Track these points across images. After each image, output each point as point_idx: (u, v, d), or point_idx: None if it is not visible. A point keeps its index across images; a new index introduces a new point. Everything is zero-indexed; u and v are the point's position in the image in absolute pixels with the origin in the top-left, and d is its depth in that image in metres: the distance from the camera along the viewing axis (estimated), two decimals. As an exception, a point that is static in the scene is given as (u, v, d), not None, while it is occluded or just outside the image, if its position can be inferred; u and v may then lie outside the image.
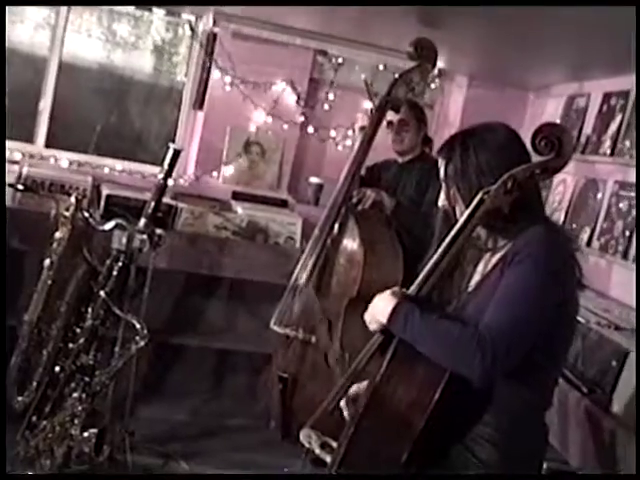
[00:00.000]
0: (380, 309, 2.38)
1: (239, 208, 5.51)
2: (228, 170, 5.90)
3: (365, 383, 2.50)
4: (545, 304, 2.25)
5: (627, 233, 4.47)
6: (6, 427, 4.01)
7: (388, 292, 2.40)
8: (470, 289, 2.48)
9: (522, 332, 2.21)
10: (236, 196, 5.79)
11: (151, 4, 5.75)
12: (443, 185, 2.50)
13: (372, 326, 2.44)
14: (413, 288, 2.37)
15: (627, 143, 4.69)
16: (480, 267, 2.50)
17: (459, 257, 2.41)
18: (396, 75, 4.35)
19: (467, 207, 2.35)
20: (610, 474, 2.86)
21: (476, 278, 2.49)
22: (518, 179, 2.28)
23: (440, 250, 2.34)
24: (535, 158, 2.34)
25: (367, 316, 2.46)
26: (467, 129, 2.54)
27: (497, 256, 2.42)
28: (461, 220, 2.34)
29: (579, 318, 3.83)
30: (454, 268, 2.45)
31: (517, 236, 2.34)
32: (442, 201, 2.51)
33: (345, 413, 2.53)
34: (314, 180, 5.97)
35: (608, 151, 4.86)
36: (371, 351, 2.44)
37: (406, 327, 2.30)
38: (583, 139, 5.23)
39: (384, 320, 2.35)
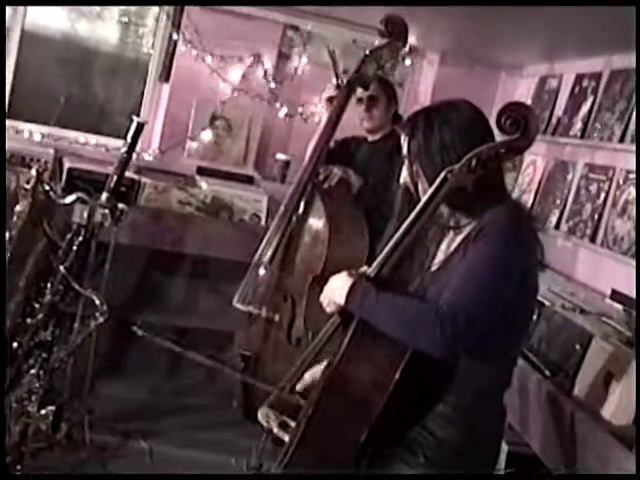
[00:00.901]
0: (336, 290, 2.39)
1: (204, 184, 5.51)
2: (193, 145, 5.89)
3: (322, 366, 2.52)
4: (505, 280, 2.27)
5: (596, 216, 4.51)
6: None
7: (344, 273, 2.42)
8: (433, 268, 2.50)
9: (481, 306, 2.22)
10: (201, 171, 5.79)
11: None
12: (405, 162, 2.50)
13: (329, 308, 2.45)
14: (373, 268, 2.38)
15: (597, 125, 4.73)
16: (443, 246, 2.51)
17: (421, 236, 2.42)
18: (366, 51, 4.34)
19: (430, 185, 2.36)
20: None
21: (439, 257, 2.50)
22: (482, 158, 2.29)
23: (401, 229, 2.35)
24: (500, 138, 2.35)
25: (323, 298, 2.47)
26: (431, 106, 2.55)
27: (461, 236, 2.43)
28: (424, 199, 2.35)
29: (545, 301, 3.89)
30: (416, 247, 2.46)
31: (481, 215, 2.35)
32: (404, 178, 2.52)
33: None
34: (281, 157, 5.97)
35: (579, 133, 4.90)
36: (329, 332, 2.48)
37: (363, 306, 2.32)
38: (554, 120, 5.27)
39: (341, 301, 2.36)
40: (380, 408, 2.28)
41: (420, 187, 2.46)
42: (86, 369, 4.26)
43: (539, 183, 5.24)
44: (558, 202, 4.94)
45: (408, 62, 6.16)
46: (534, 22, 4.43)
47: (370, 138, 4.74)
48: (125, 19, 6.11)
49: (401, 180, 2.54)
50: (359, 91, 4.50)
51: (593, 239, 4.50)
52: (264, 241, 4.22)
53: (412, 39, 5.83)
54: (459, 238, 2.44)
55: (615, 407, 3.17)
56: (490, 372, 2.41)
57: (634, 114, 4.38)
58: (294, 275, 4.18)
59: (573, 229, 4.70)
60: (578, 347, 3.42)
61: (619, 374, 3.21)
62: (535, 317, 3.77)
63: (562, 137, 5.09)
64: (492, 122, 2.41)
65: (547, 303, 3.87)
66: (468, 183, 2.31)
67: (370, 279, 2.36)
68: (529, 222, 2.42)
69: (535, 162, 5.36)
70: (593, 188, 4.64)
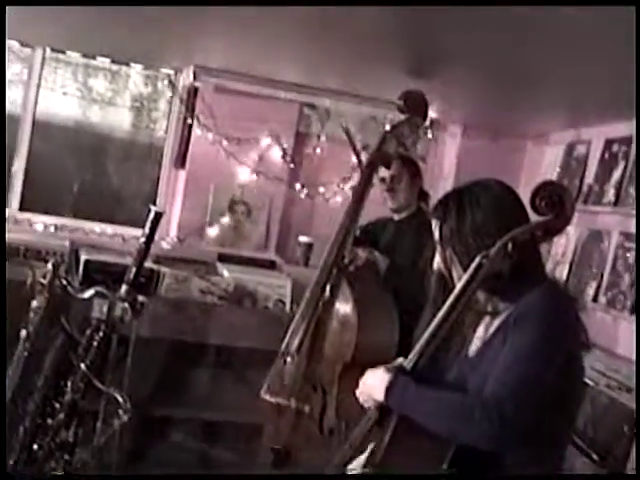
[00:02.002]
0: (374, 386, 2.40)
1: (225, 271, 5.52)
2: (212, 231, 5.93)
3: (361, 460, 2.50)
4: (549, 367, 2.25)
5: (635, 287, 4.48)
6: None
7: (381, 368, 2.42)
8: (470, 355, 2.49)
9: (527, 396, 2.21)
10: (222, 258, 5.80)
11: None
12: (438, 247, 2.50)
13: (367, 403, 2.46)
14: (409, 360, 2.38)
15: (631, 191, 4.72)
16: (480, 332, 2.51)
17: (457, 322, 2.41)
18: (386, 128, 4.38)
19: (464, 270, 2.36)
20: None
21: (476, 344, 2.50)
22: (518, 241, 2.30)
23: (437, 319, 2.35)
24: (534, 217, 2.35)
25: (360, 394, 2.48)
26: (461, 187, 2.55)
27: (498, 320, 2.42)
28: (459, 286, 2.35)
29: (587, 380, 3.85)
30: (452, 334, 2.45)
31: (518, 299, 2.34)
32: (437, 264, 2.52)
33: None
34: (303, 239, 5.98)
35: (612, 200, 4.90)
36: (367, 427, 2.46)
37: (404, 402, 2.32)
38: (585, 188, 5.27)
39: (380, 398, 2.37)
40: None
41: (454, 273, 2.46)
42: (111, 467, 4.24)
43: (573, 254, 5.23)
44: (594, 273, 4.91)
45: (429, 136, 6.19)
46: (558, 87, 4.47)
47: (396, 217, 4.75)
48: (137, 104, 6.20)
49: (434, 266, 2.54)
50: (381, 170, 4.53)
51: (633, 311, 4.46)
52: (290, 328, 4.19)
53: (432, 112, 5.88)
54: (497, 322, 2.43)
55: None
56: (539, 462, 2.37)
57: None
58: (323, 363, 4.14)
59: (612, 301, 4.67)
60: (626, 428, 3.38)
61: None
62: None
63: (594, 205, 5.10)
64: (520, 191, 2.42)
65: (591, 383, 3.84)
66: (504, 268, 2.31)
67: (407, 372, 2.35)
68: (570, 304, 2.41)
69: (568, 232, 5.34)
70: (630, 257, 4.62)
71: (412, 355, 2.39)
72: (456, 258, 2.44)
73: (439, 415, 2.27)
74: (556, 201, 2.30)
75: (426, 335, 2.36)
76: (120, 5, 3.97)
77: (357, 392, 2.50)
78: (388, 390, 2.34)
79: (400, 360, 2.44)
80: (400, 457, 2.32)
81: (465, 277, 2.34)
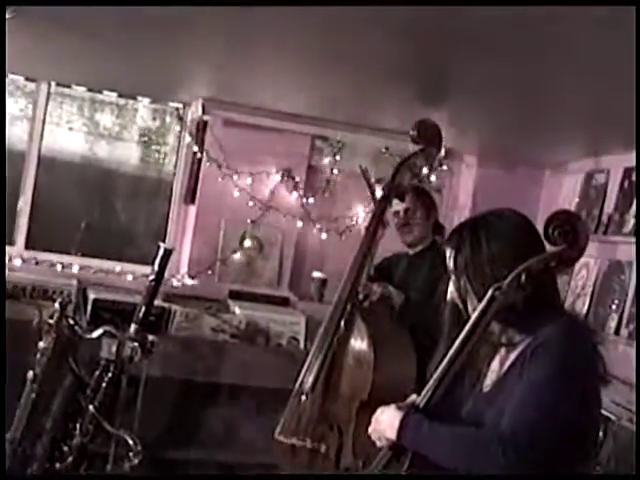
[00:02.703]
0: (386, 424, 2.43)
1: (237, 308, 5.55)
2: (224, 268, 5.95)
3: None
4: (566, 401, 2.26)
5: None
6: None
7: (392, 406, 2.46)
8: (486, 389, 2.50)
9: (544, 430, 2.22)
10: (233, 295, 5.84)
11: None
12: (452, 277, 2.53)
13: (379, 442, 2.48)
14: (422, 397, 2.41)
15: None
16: (495, 365, 2.52)
17: (472, 355, 2.43)
18: (399, 159, 4.40)
19: (479, 300, 2.38)
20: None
21: (492, 377, 2.51)
22: (532, 272, 2.32)
23: (450, 353, 2.38)
24: (549, 248, 2.38)
25: (372, 432, 2.51)
26: (476, 217, 2.59)
27: (514, 354, 2.44)
28: (472, 319, 2.38)
29: (609, 415, 3.85)
30: (467, 367, 2.47)
31: (535, 331, 2.36)
32: (451, 294, 2.55)
33: None
34: (317, 275, 5.98)
35: (632, 230, 4.91)
36: (381, 465, 2.47)
37: (417, 440, 2.35)
38: (604, 218, 5.29)
39: (393, 436, 2.40)
40: None
41: (469, 303, 2.49)
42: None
43: (593, 286, 5.24)
44: (615, 306, 4.92)
45: (445, 167, 6.22)
46: (576, 115, 4.50)
47: (411, 252, 4.77)
48: (145, 138, 6.25)
49: (448, 297, 2.56)
50: (395, 203, 4.55)
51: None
52: (304, 367, 4.20)
53: (447, 142, 5.91)
54: (513, 356, 2.44)
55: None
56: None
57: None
58: (339, 402, 4.14)
59: (634, 334, 4.67)
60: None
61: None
62: (601, 433, 3.73)
63: (614, 235, 5.11)
64: (538, 223, 2.44)
65: (613, 417, 3.84)
66: (518, 300, 2.33)
67: (421, 409, 2.38)
68: (589, 337, 2.43)
69: (588, 264, 5.36)
70: (652, 288, 4.63)
71: (425, 391, 2.41)
72: (471, 289, 2.47)
73: (454, 451, 2.30)
74: (569, 230, 2.33)
75: (439, 370, 2.38)
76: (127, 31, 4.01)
77: (369, 430, 2.52)
78: (401, 429, 2.37)
79: (413, 397, 2.47)
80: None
81: (478, 309, 2.36)
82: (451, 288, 2.55)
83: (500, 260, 2.41)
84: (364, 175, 4.58)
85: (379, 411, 2.50)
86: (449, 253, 2.54)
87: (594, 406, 2.41)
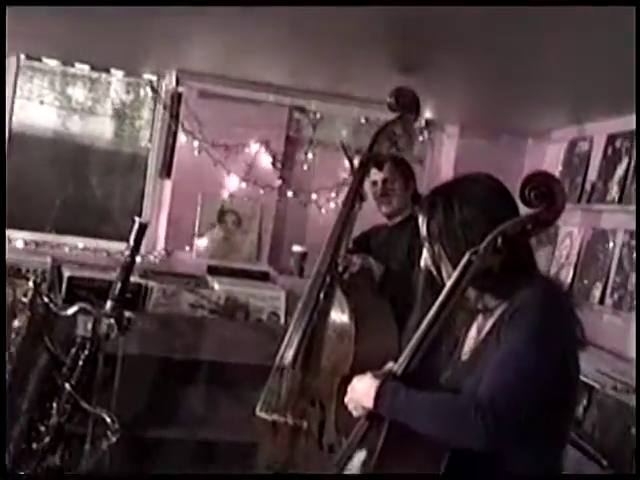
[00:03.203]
0: (363, 393, 2.43)
1: (216, 284, 5.56)
2: (201, 243, 5.96)
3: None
4: (544, 365, 2.27)
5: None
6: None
7: (368, 374, 2.46)
8: (464, 357, 2.52)
9: (522, 394, 2.24)
10: (212, 271, 5.85)
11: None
12: (426, 244, 2.54)
13: (356, 412, 2.49)
14: (399, 365, 2.41)
15: (635, 188, 4.75)
16: (473, 332, 2.54)
17: (449, 322, 2.44)
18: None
19: (454, 267, 2.39)
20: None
21: (470, 344, 2.53)
22: (508, 236, 2.33)
23: (426, 320, 2.38)
24: (524, 211, 2.39)
25: (348, 401, 2.51)
26: (448, 182, 2.61)
27: (491, 320, 2.45)
28: (448, 284, 2.38)
29: (594, 384, 3.89)
30: (444, 334, 2.48)
31: (511, 296, 2.37)
32: (425, 261, 2.56)
33: None
34: (297, 248, 6.00)
35: (616, 198, 4.93)
36: (359, 436, 2.48)
37: (394, 408, 2.35)
38: (588, 186, 5.31)
39: (369, 405, 2.40)
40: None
41: (444, 270, 2.49)
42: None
43: (578, 256, 5.26)
44: (600, 274, 4.95)
45: (425, 137, 6.23)
46: (558, 82, 4.50)
47: (390, 223, 4.78)
48: (119, 112, 6.23)
49: (422, 264, 2.57)
50: (373, 172, 4.57)
51: (641, 311, 4.48)
52: (284, 341, 4.21)
53: (428, 112, 5.93)
54: (490, 322, 2.46)
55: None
56: (536, 463, 2.39)
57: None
58: (320, 376, 4.13)
59: (619, 303, 4.70)
60: (634, 431, 3.41)
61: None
62: (585, 402, 3.77)
63: (598, 204, 5.14)
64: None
65: (597, 386, 3.87)
66: (495, 264, 2.34)
67: (398, 377, 2.39)
68: (565, 300, 2.45)
69: (572, 233, 5.39)
70: (636, 256, 4.65)
71: (402, 359, 2.42)
72: (445, 255, 2.47)
73: (431, 418, 2.30)
74: (546, 192, 2.33)
75: (416, 337, 2.38)
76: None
77: (345, 400, 2.53)
78: (377, 397, 2.38)
79: (390, 365, 2.48)
80: (394, 464, 2.35)
81: (454, 275, 2.37)
82: (425, 255, 2.56)
83: (474, 225, 2.41)
84: (344, 149, 4.58)
85: (355, 380, 2.51)
86: (422, 220, 2.54)
87: (572, 369, 2.41)
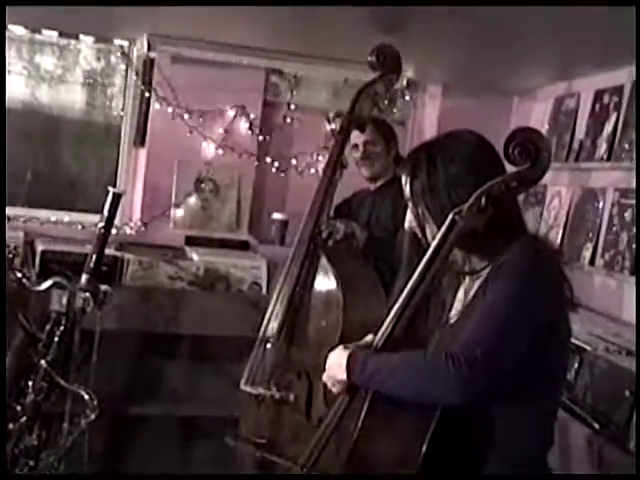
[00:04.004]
0: (336, 366, 2.44)
1: (194, 254, 5.56)
2: (179, 213, 5.95)
3: None
4: (526, 318, 2.27)
5: (634, 246, 4.51)
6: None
7: (340, 347, 2.48)
8: (452, 321, 2.52)
9: (500, 345, 2.22)
10: (190, 241, 5.85)
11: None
12: (409, 205, 2.54)
13: (335, 388, 2.49)
14: (381, 336, 2.41)
15: (625, 145, 4.75)
16: (460, 294, 2.54)
17: (435, 286, 2.43)
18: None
19: (438, 225, 2.39)
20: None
21: (457, 307, 2.53)
22: (493, 195, 2.32)
23: (410, 284, 2.37)
24: (510, 169, 2.38)
25: (326, 379, 2.52)
26: (431, 140, 2.60)
27: (479, 281, 2.45)
28: (432, 247, 2.38)
29: (585, 346, 3.90)
30: (431, 299, 2.48)
31: (498, 255, 2.37)
32: (409, 223, 2.56)
33: None
34: (277, 216, 6.00)
35: (605, 155, 4.93)
36: (340, 412, 2.48)
37: (366, 374, 2.35)
38: (576, 145, 5.31)
39: (343, 376, 2.41)
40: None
41: (428, 232, 2.49)
42: (81, 472, 4.26)
43: (567, 216, 5.25)
44: (590, 235, 4.95)
45: (407, 98, 6.22)
46: (544, 39, 4.49)
47: (372, 187, 4.78)
48: (90, 80, 6.19)
49: (406, 225, 2.57)
50: (354, 135, 4.54)
51: (633, 272, 4.49)
52: (268, 312, 4.19)
53: (410, 73, 5.91)
54: (477, 284, 2.46)
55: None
56: (527, 430, 2.40)
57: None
58: (307, 347, 4.09)
59: (610, 263, 4.70)
60: (628, 393, 3.43)
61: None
62: (577, 365, 3.78)
63: (586, 162, 5.13)
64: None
65: (588, 348, 3.88)
66: (479, 224, 2.33)
67: (380, 348, 2.39)
68: (552, 257, 2.45)
69: (560, 193, 5.38)
70: (627, 215, 4.65)
71: (384, 328, 2.42)
72: (429, 215, 2.47)
73: (404, 376, 2.29)
74: (531, 149, 2.32)
75: (399, 304, 2.39)
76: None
77: (323, 378, 2.54)
78: (349, 365, 2.38)
79: (369, 337, 2.48)
80: (379, 438, 2.36)
81: (438, 236, 2.37)
82: (409, 216, 2.56)
83: (458, 183, 2.41)
84: (328, 121, 4.54)
85: (329, 356, 2.51)
86: (405, 179, 2.54)
87: (561, 330, 2.41)
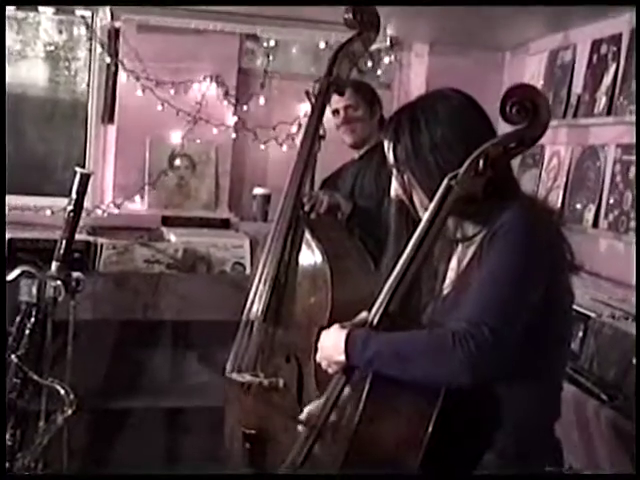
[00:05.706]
0: (332, 347, 2.43)
1: (172, 235, 5.54)
2: (153, 192, 5.93)
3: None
4: (528, 284, 2.27)
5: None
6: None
7: (335, 326, 2.46)
8: (446, 291, 2.51)
9: (505, 316, 2.22)
10: (166, 222, 5.84)
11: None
12: (394, 172, 2.52)
13: (330, 369, 2.48)
14: (375, 312, 2.39)
15: (625, 98, 4.73)
16: (454, 263, 2.53)
17: (428, 257, 2.41)
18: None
19: (427, 194, 2.38)
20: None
21: (451, 276, 2.52)
22: (490, 156, 2.31)
23: (403, 259, 2.35)
24: (504, 128, 2.37)
25: (320, 359, 2.51)
26: (414, 100, 2.58)
27: (472, 247, 2.44)
28: (426, 216, 2.36)
29: (589, 312, 3.90)
30: (423, 270, 2.46)
31: (492, 220, 2.35)
32: (395, 190, 2.54)
33: None
34: (259, 191, 5.97)
35: (604, 110, 4.91)
36: (335, 394, 2.46)
37: (366, 356, 2.33)
38: (573, 100, 5.28)
39: (341, 358, 2.39)
40: (415, 470, 2.29)
41: (416, 199, 2.48)
42: (61, 471, 4.26)
43: (567, 177, 5.23)
44: (592, 196, 4.94)
45: (392, 58, 6.19)
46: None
47: (356, 155, 4.77)
48: (52, 55, 6.15)
49: (392, 193, 2.56)
50: (334, 100, 4.52)
51: (640, 232, 4.47)
52: (251, 293, 4.19)
53: (393, 30, 5.88)
54: (471, 250, 2.46)
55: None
56: (532, 401, 2.41)
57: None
58: (295, 328, 4.09)
59: (614, 224, 4.68)
60: (635, 360, 3.43)
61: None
62: (581, 333, 3.78)
63: (585, 118, 5.11)
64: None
65: (592, 315, 3.87)
66: (477, 189, 2.32)
67: (376, 326, 2.37)
68: (550, 219, 2.45)
69: (559, 153, 5.37)
70: (631, 172, 4.64)
71: (378, 304, 2.40)
72: (416, 182, 2.46)
73: (407, 356, 2.27)
74: (529, 106, 2.30)
75: (393, 278, 2.37)
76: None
77: (317, 359, 2.53)
78: (347, 345, 2.37)
79: (363, 315, 2.46)
80: (381, 422, 2.35)
81: (432, 204, 2.35)
82: (394, 184, 2.54)
83: (445, 146, 2.40)
84: (308, 97, 4.48)
85: (322, 335, 2.51)
86: (387, 144, 2.53)
87: (563, 293, 2.42)
